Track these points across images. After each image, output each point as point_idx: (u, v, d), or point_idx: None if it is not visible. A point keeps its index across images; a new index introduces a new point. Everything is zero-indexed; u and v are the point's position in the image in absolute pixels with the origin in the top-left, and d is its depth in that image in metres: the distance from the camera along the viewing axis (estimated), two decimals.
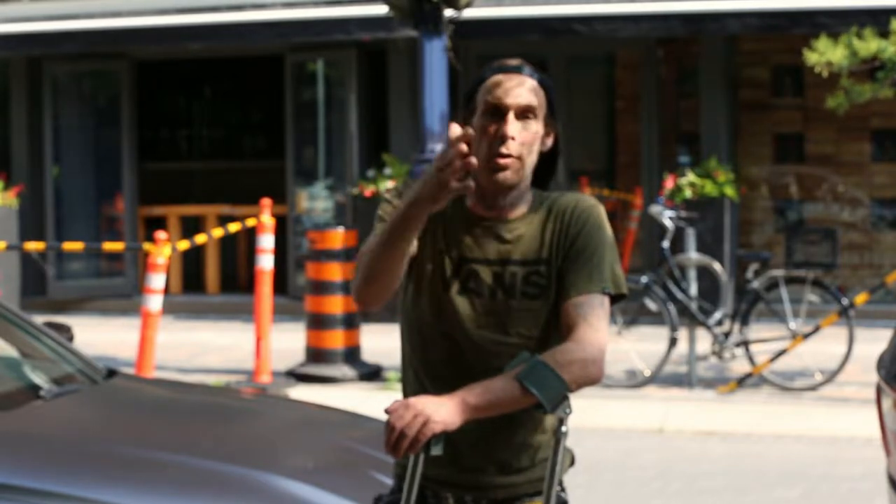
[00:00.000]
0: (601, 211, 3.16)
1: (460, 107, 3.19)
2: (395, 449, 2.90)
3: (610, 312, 3.12)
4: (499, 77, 3.11)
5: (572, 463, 3.24)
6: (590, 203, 3.17)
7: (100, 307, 14.76)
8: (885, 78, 9.83)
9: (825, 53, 9.75)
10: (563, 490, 3.20)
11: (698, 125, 13.68)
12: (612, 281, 3.09)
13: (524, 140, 3.09)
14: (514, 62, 3.15)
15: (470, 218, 3.15)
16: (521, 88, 3.10)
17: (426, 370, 3.14)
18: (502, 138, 3.07)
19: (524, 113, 3.10)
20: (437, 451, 2.93)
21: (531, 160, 3.12)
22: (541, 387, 2.93)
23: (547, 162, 3.21)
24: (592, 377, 3.00)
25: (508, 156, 3.07)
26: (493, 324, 3.10)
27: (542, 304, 3.10)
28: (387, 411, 2.92)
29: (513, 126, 3.08)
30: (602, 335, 3.03)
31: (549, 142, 3.18)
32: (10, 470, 4.08)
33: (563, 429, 2.97)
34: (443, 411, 2.89)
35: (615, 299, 3.12)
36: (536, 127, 3.11)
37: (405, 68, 13.79)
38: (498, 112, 3.09)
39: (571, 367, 2.96)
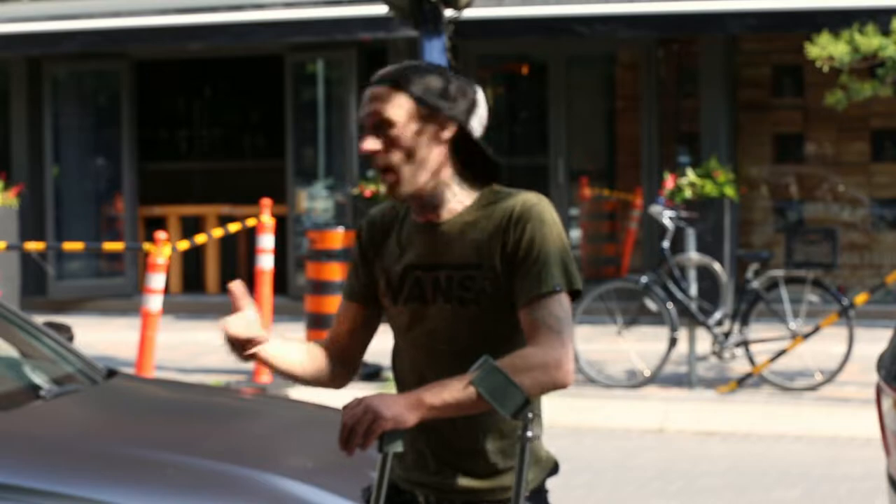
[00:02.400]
0: (544, 207, 3.04)
1: None
2: (346, 444, 2.90)
3: (570, 309, 3.02)
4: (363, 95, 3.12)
5: (555, 471, 3.19)
6: (531, 202, 3.05)
7: (100, 307, 14.76)
8: (885, 76, 9.83)
9: (827, 48, 9.74)
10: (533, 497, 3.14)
11: (698, 125, 13.67)
12: (564, 277, 3.00)
13: (387, 148, 3.04)
14: (375, 74, 3.13)
15: (413, 226, 3.14)
16: (368, 102, 3.07)
17: (397, 378, 3.17)
18: (367, 157, 3.08)
19: (378, 124, 3.05)
20: (394, 448, 2.91)
21: (413, 163, 3.04)
22: (493, 392, 2.88)
23: (472, 153, 3.11)
24: (556, 381, 2.93)
25: (383, 170, 3.05)
26: (439, 331, 3.07)
27: (479, 311, 3.04)
28: (343, 408, 2.92)
29: (367, 142, 3.05)
30: (564, 337, 2.96)
31: (447, 133, 3.07)
32: (10, 470, 4.08)
33: (529, 434, 2.91)
34: (395, 408, 2.88)
35: (573, 295, 3.03)
36: (397, 131, 3.04)
37: None
38: (363, 129, 3.09)
39: (532, 372, 2.91)
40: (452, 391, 2.91)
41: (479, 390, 2.88)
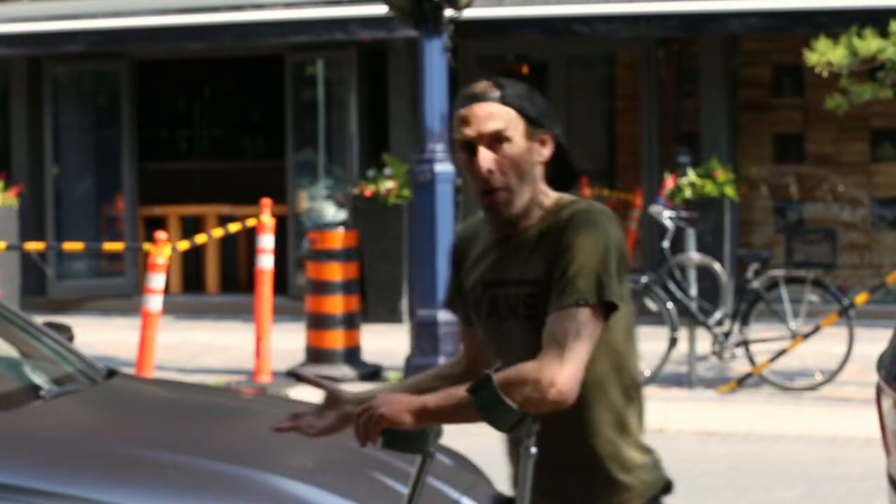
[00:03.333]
0: (591, 216, 2.96)
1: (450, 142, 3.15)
2: (356, 437, 2.95)
3: (596, 322, 2.91)
4: (461, 111, 3.02)
5: (667, 490, 3.18)
6: (579, 209, 2.99)
7: (100, 307, 14.75)
8: (885, 78, 9.84)
9: (825, 53, 9.75)
10: None
11: (698, 125, 13.67)
12: (594, 289, 2.90)
13: (503, 167, 3.00)
14: (475, 89, 3.04)
15: (490, 241, 3.13)
16: (482, 117, 2.99)
17: None
18: (479, 175, 3.00)
19: (494, 139, 3.00)
20: (391, 447, 2.94)
21: (524, 182, 3.01)
22: (485, 407, 2.87)
23: (557, 165, 3.08)
24: (547, 399, 2.86)
25: (493, 190, 3.00)
26: (513, 347, 3.04)
27: (541, 327, 2.98)
28: None
29: (485, 159, 3.00)
30: (567, 354, 2.87)
31: (546, 151, 3.05)
32: (10, 470, 4.08)
33: (533, 450, 2.90)
34: (395, 407, 2.91)
35: (609, 308, 2.93)
36: (512, 148, 3.00)
37: (405, 68, 13.79)
38: (469, 147, 3.02)
39: (522, 388, 2.86)
40: (452, 400, 2.91)
41: (473, 404, 2.88)
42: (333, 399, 3.22)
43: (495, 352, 3.09)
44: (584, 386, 2.95)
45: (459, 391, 2.91)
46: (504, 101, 3.01)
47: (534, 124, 3.02)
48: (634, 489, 3.11)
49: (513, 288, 3.03)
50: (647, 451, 3.17)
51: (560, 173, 3.11)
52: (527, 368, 2.89)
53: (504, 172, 3.00)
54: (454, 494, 4.38)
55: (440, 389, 3.07)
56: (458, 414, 2.91)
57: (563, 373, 2.86)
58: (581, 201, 3.03)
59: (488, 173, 2.99)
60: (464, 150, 3.03)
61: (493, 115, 3.00)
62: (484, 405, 2.86)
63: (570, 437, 3.04)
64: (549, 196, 3.08)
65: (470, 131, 3.00)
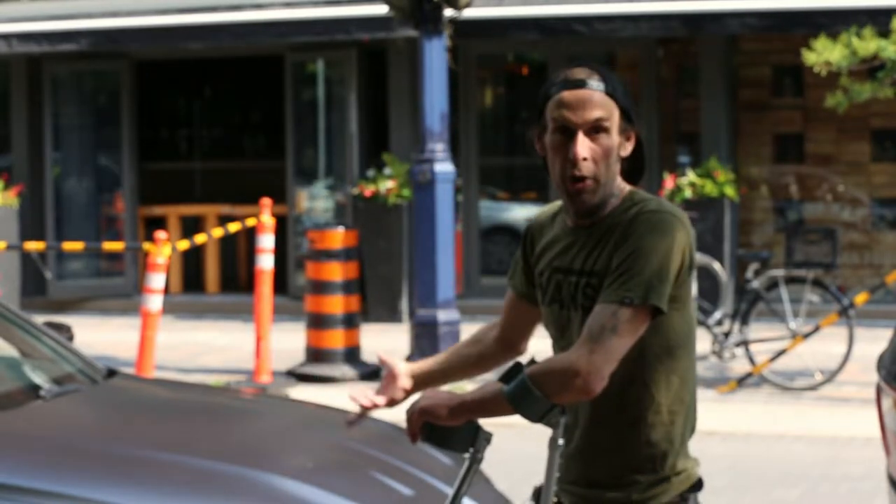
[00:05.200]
0: (662, 218, 3.02)
1: (533, 122, 3.14)
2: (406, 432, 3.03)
3: (638, 322, 2.94)
4: (564, 94, 3.04)
5: (697, 487, 3.17)
6: (651, 208, 3.04)
7: (100, 307, 14.75)
8: (885, 77, 9.84)
9: (823, 53, 9.75)
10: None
11: (698, 125, 13.67)
12: (643, 291, 2.94)
13: (596, 156, 3.02)
14: (579, 75, 3.07)
15: (562, 228, 3.15)
16: (588, 104, 3.02)
17: None
18: (573, 161, 3.01)
19: (594, 128, 3.02)
20: (429, 441, 2.99)
21: (609, 173, 3.05)
22: (515, 398, 2.90)
23: (633, 159, 3.13)
24: (574, 388, 2.90)
25: (582, 178, 3.02)
26: (568, 333, 3.08)
27: None
28: None
29: (582, 146, 3.01)
30: (598, 347, 2.90)
31: (629, 146, 3.09)
32: (10, 470, 4.08)
33: (560, 441, 2.94)
34: (432, 401, 2.97)
35: (655, 312, 2.97)
36: (609, 140, 3.03)
37: (405, 68, 13.79)
38: (567, 130, 3.03)
39: (549, 378, 2.91)
40: (487, 393, 2.96)
41: (506, 396, 2.91)
42: (392, 376, 3.31)
43: (553, 337, 3.15)
44: (634, 382, 3.02)
45: (495, 384, 2.95)
46: (609, 92, 3.04)
47: (627, 120, 3.07)
48: (671, 482, 3.12)
49: (575, 277, 3.07)
50: (687, 455, 3.19)
51: (632, 168, 3.15)
52: (556, 358, 2.95)
53: (596, 162, 3.03)
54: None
55: (473, 355, 3.28)
56: (491, 405, 2.94)
57: (590, 364, 2.90)
58: (652, 200, 3.07)
59: (583, 161, 3.01)
60: (560, 133, 3.04)
61: (599, 104, 3.03)
62: (514, 395, 2.90)
63: (617, 435, 3.08)
64: (623, 190, 3.12)
65: (574, 116, 3.02)
